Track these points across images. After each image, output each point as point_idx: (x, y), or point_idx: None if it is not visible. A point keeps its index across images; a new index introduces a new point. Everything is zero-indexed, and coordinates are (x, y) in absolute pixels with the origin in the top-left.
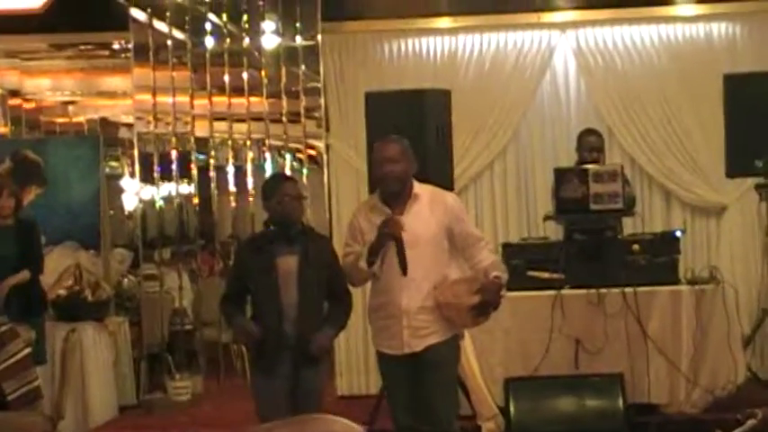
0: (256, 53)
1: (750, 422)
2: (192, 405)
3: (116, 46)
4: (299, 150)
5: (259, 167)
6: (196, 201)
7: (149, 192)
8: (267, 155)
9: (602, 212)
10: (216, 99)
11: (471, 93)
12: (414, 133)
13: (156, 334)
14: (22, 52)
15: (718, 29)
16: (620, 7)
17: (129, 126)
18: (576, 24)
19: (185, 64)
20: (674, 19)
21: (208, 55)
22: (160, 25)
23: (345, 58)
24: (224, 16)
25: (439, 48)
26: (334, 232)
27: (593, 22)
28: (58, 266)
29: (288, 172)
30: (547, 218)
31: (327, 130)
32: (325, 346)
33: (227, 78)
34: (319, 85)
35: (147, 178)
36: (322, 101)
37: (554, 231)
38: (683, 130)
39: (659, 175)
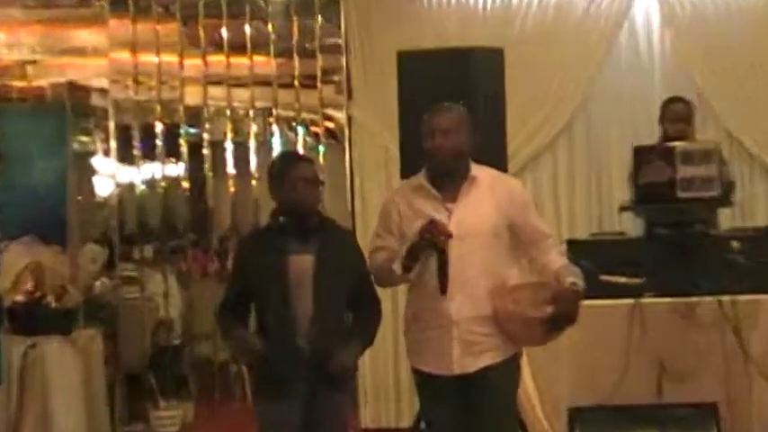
0: (262, 2)
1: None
2: None
3: None
4: (314, 123)
5: (265, 144)
6: (186, 185)
7: (128, 174)
8: (275, 128)
9: (693, 201)
10: (211, 58)
11: (529, 52)
12: (457, 103)
13: (137, 350)
14: None
15: None
16: None
17: (104, 92)
18: None
19: (173, 15)
20: None
21: (201, 4)
22: None
23: (373, 9)
24: None
25: None
26: (359, 225)
27: None
28: (15, 266)
29: (301, 150)
30: (623, 209)
31: (350, 97)
32: (348, 366)
33: (224, 33)
34: (340, 42)
35: (125, 157)
36: (343, 61)
37: (632, 225)
38: None
39: (765, 154)
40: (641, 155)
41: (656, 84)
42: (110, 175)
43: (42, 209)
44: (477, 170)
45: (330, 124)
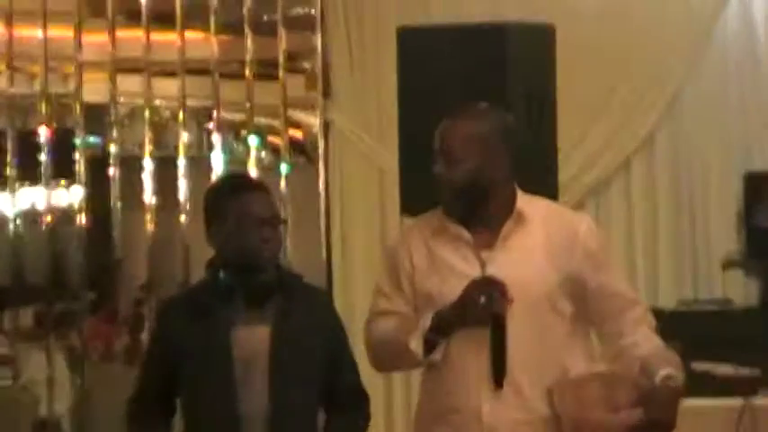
0: None
1: None
2: None
3: None
4: (273, 131)
5: (200, 162)
6: (83, 221)
7: None
8: (216, 138)
9: None
10: (122, 34)
11: (593, 31)
12: (485, 105)
13: None
14: None
15: None
16: None
17: None
18: None
19: None
20: None
21: None
22: None
23: None
24: None
25: None
26: (337, 281)
27: None
28: None
29: (253, 172)
30: (729, 264)
31: (327, 95)
32: None
33: None
34: (314, 13)
35: None
36: (318, 41)
37: (741, 289)
38: None
39: None
40: (755, 185)
41: None
42: None
43: None
44: (525, 202)
45: (297, 133)
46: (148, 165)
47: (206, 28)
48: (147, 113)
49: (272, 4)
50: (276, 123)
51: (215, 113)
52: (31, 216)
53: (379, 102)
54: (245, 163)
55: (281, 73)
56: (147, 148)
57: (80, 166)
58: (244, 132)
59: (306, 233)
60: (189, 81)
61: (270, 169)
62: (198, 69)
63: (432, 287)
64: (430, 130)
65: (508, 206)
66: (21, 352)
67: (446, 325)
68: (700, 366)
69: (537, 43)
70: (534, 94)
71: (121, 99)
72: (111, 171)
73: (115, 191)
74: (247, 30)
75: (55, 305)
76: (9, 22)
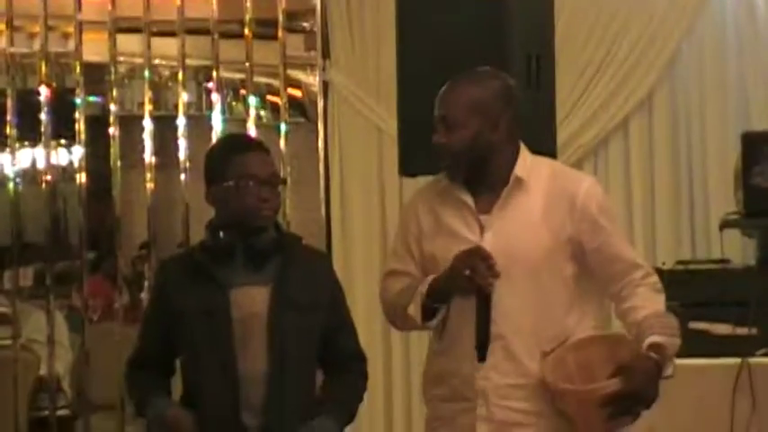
0: None
1: None
2: None
3: None
4: (273, 90)
5: (200, 121)
6: (83, 180)
7: None
8: (215, 97)
9: None
10: None
11: None
12: (486, 66)
13: (5, 423)
14: None
15: None
16: None
17: None
18: None
19: None
20: None
21: None
22: None
23: None
24: None
25: None
26: (336, 243)
27: None
28: None
29: (252, 131)
30: (727, 224)
31: (326, 55)
32: None
33: None
34: None
35: None
36: (317, 1)
37: (739, 249)
38: None
39: None
40: (754, 145)
41: None
42: None
43: None
44: (526, 166)
45: (297, 93)
46: (148, 124)
47: None
48: (146, 73)
49: None
50: (275, 83)
51: (214, 73)
52: (30, 175)
53: (377, 62)
54: (244, 122)
55: (280, 32)
56: (147, 107)
57: (80, 126)
58: (243, 92)
59: (305, 192)
60: (188, 40)
61: (269, 128)
62: (197, 29)
63: (436, 250)
64: (429, 90)
65: (509, 170)
66: (20, 311)
67: (439, 293)
68: (698, 326)
69: (536, 2)
70: (533, 54)
71: (121, 59)
72: (111, 130)
73: (115, 150)
74: None
75: (55, 264)
76: None
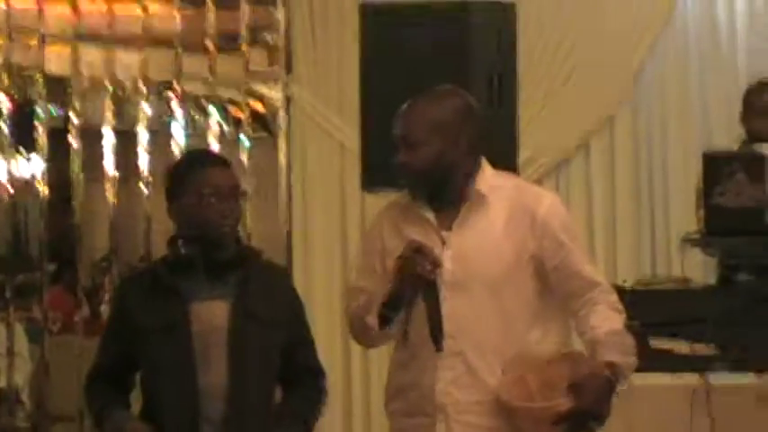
0: None
1: None
2: None
3: None
4: (235, 103)
5: (162, 134)
6: (44, 191)
7: None
8: (177, 110)
9: None
10: (86, 6)
11: (553, 11)
12: (447, 82)
13: None
14: None
15: None
16: None
17: None
18: None
19: None
20: None
21: None
22: None
23: None
24: None
25: None
26: (297, 257)
27: None
28: None
29: (214, 145)
30: (688, 243)
31: (289, 70)
32: None
33: None
34: None
35: None
36: (281, 15)
37: (700, 267)
38: None
39: None
40: (715, 165)
41: (740, 61)
42: None
43: None
44: (487, 182)
45: (259, 106)
46: (110, 136)
47: (169, 1)
48: (108, 85)
49: None
50: (238, 97)
51: (176, 86)
52: None
53: (340, 77)
54: (206, 136)
55: (243, 46)
56: (109, 119)
57: (41, 137)
58: (205, 105)
59: (266, 206)
60: (151, 54)
61: (231, 142)
62: (160, 41)
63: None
64: (391, 106)
65: (471, 186)
66: None
67: (392, 298)
68: (657, 343)
69: (498, 21)
70: (495, 73)
71: (83, 70)
72: (72, 142)
73: (77, 162)
74: (209, 2)
75: (15, 276)
76: None
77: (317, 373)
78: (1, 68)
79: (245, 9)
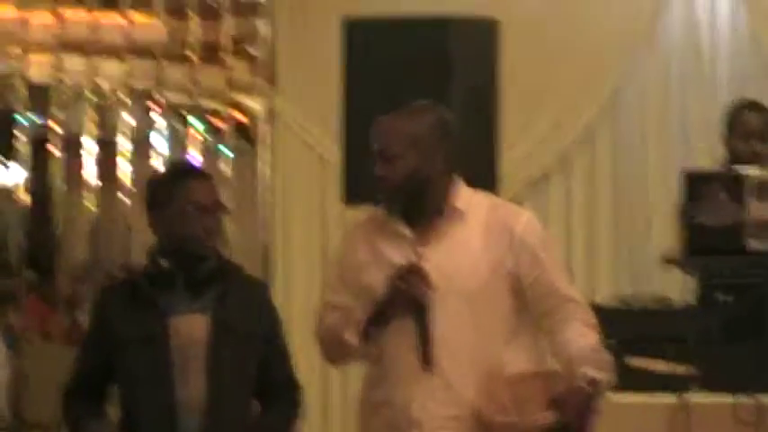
0: None
1: None
2: None
3: None
4: (218, 114)
5: (144, 143)
6: (24, 199)
7: None
8: (159, 121)
9: None
10: (69, 14)
11: (536, 24)
12: (427, 98)
13: None
14: None
15: None
16: None
17: None
18: None
19: None
20: None
21: None
22: None
23: None
24: None
25: None
26: (278, 272)
27: None
28: None
29: (195, 156)
30: (668, 261)
31: (272, 81)
32: None
33: None
34: (262, 0)
35: None
36: (264, 27)
37: (679, 286)
38: None
39: None
40: (695, 184)
41: (721, 81)
42: None
43: None
44: (463, 199)
45: (241, 117)
46: (91, 145)
47: (152, 10)
48: (90, 95)
49: None
50: (221, 107)
51: (158, 96)
52: None
53: (323, 91)
54: (188, 146)
55: (226, 57)
56: (91, 129)
57: (23, 146)
58: (187, 115)
59: (247, 218)
60: (134, 63)
61: (213, 153)
62: (143, 51)
63: (374, 282)
64: (372, 120)
65: (446, 202)
66: None
67: (379, 315)
68: (636, 362)
69: (481, 37)
70: (477, 88)
71: (65, 79)
72: (54, 151)
73: (58, 171)
74: (191, 12)
75: None
76: None
77: (293, 387)
78: None
79: (228, 20)
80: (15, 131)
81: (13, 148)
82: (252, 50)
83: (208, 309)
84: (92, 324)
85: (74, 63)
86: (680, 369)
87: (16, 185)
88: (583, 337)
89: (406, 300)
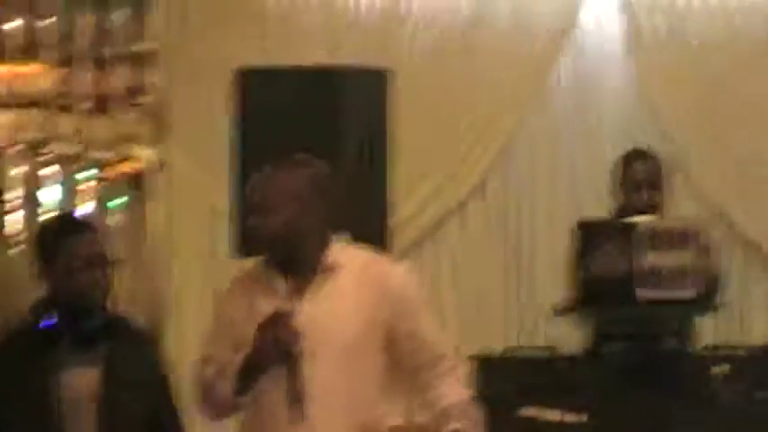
0: None
1: None
2: None
3: None
4: (108, 165)
5: (30, 198)
6: None
7: None
8: (48, 171)
9: (661, 305)
10: None
11: (427, 75)
12: (319, 146)
13: None
14: None
15: None
16: None
17: None
18: None
19: None
20: None
21: None
22: None
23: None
24: None
25: None
26: (171, 322)
27: None
28: None
29: (87, 206)
30: (559, 311)
31: (163, 131)
32: None
33: None
34: (155, 47)
35: None
36: (155, 77)
37: (570, 337)
38: None
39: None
40: (587, 234)
41: (611, 130)
42: None
43: None
44: (339, 253)
45: (132, 168)
46: None
47: (42, 59)
48: None
49: (110, 38)
50: (112, 157)
51: (48, 147)
52: None
53: (215, 141)
54: (78, 197)
55: (117, 108)
56: None
57: None
58: (77, 166)
59: (138, 269)
60: (22, 114)
61: (104, 203)
62: (32, 102)
63: (248, 335)
64: (263, 170)
65: (316, 259)
66: None
67: (249, 366)
68: (527, 412)
69: (372, 87)
70: (368, 137)
71: None
72: None
73: None
74: (85, 62)
75: None
76: None
77: None
78: None
79: (119, 70)
80: None
81: None
82: (143, 100)
83: (98, 363)
84: None
85: None
86: (572, 418)
87: None
88: (454, 392)
89: (273, 349)
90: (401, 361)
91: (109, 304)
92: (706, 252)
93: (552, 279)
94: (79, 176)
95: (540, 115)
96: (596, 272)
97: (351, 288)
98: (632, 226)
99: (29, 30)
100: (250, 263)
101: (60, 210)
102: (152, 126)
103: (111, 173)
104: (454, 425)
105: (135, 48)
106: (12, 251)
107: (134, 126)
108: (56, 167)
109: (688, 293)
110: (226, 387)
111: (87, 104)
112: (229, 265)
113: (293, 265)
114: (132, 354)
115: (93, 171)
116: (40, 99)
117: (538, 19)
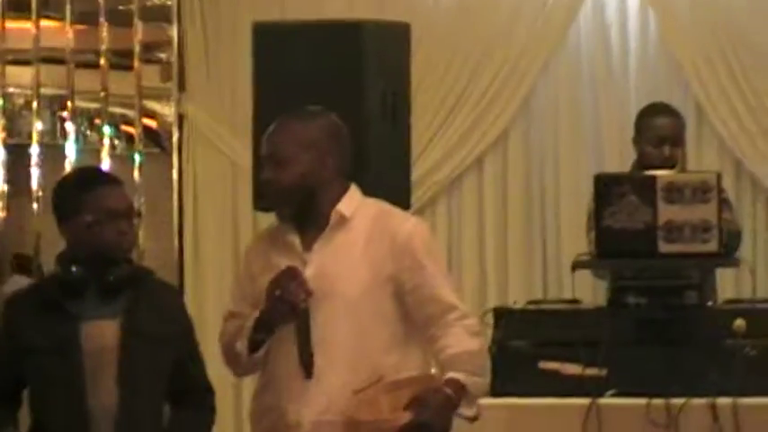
0: None
1: None
2: None
3: None
4: (128, 121)
5: (54, 150)
6: None
7: None
8: (69, 127)
9: (681, 258)
10: None
11: (447, 30)
12: (341, 102)
13: None
14: None
15: None
16: None
17: None
18: None
19: None
20: None
21: None
22: None
23: None
24: None
25: None
26: (189, 278)
27: None
28: None
29: (106, 161)
30: (578, 265)
31: (183, 87)
32: None
33: None
34: (170, 3)
35: None
36: (174, 33)
37: (590, 289)
38: None
39: None
40: (606, 187)
41: (631, 85)
42: None
43: None
44: (351, 205)
45: (152, 123)
46: (0, 152)
47: (61, 17)
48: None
49: None
50: (131, 113)
51: (69, 102)
52: None
53: (234, 96)
54: (98, 152)
55: (136, 63)
56: (0, 135)
57: None
58: (98, 121)
59: (158, 223)
60: (43, 69)
61: (123, 158)
62: (52, 58)
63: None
64: None
65: (326, 211)
66: None
67: (263, 323)
68: (547, 365)
69: (392, 41)
70: (389, 92)
71: None
72: None
73: None
74: (103, 19)
75: None
76: None
77: (206, 391)
78: None
79: (138, 26)
80: None
81: None
82: (162, 55)
83: (119, 315)
84: (0, 333)
85: None
86: (592, 372)
87: None
88: (461, 342)
89: (284, 306)
90: (411, 313)
91: (133, 256)
92: (725, 205)
93: (576, 233)
94: (99, 131)
95: (562, 67)
96: (614, 224)
97: (360, 241)
98: (651, 179)
99: None
100: (270, 218)
101: (80, 164)
102: (171, 81)
103: (130, 128)
104: (452, 375)
105: (151, 3)
106: (35, 205)
107: (153, 82)
108: (77, 123)
109: (710, 248)
110: (241, 344)
111: (108, 60)
112: (250, 220)
113: (308, 217)
114: (154, 305)
115: (113, 126)
116: (61, 55)
117: None
